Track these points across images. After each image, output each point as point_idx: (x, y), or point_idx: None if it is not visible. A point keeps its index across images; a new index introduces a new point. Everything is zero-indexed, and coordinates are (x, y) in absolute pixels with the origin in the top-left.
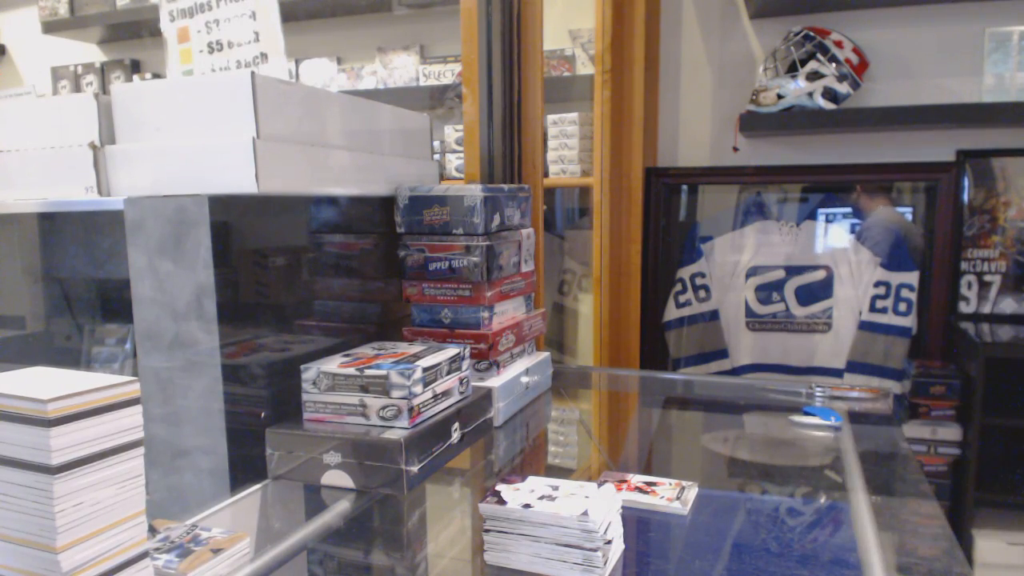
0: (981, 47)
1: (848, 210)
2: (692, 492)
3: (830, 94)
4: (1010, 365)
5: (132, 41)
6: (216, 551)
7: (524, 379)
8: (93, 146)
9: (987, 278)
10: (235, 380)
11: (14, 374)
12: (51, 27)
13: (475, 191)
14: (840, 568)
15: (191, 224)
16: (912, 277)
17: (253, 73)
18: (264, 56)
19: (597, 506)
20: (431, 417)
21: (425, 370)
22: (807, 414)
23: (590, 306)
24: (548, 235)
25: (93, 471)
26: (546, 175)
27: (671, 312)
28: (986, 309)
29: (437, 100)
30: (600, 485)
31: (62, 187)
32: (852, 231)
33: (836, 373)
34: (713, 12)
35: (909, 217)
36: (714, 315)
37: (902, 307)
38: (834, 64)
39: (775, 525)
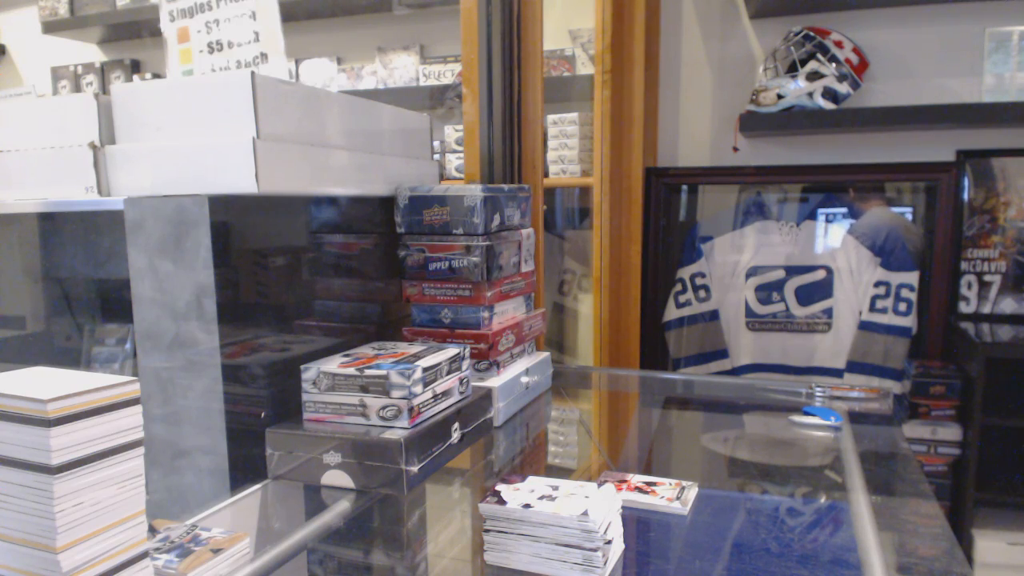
0: (981, 47)
1: (848, 210)
2: (692, 492)
3: (830, 94)
4: (1010, 365)
5: (132, 41)
6: (216, 551)
7: (524, 379)
8: (93, 146)
9: (987, 278)
10: (235, 380)
11: (14, 374)
12: (51, 27)
13: (475, 191)
14: (840, 568)
15: (191, 224)
16: (912, 277)
17: (253, 73)
18: (264, 56)
19: (597, 506)
20: (431, 417)
21: (425, 370)
22: (807, 414)
23: (590, 306)
24: (548, 235)
25: (93, 471)
26: (546, 175)
27: (671, 312)
28: (986, 309)
29: (437, 100)
30: (600, 485)
31: (62, 187)
32: (852, 231)
33: (836, 373)
34: (713, 12)
35: (908, 217)
36: (714, 315)
37: (902, 307)
38: (834, 64)
39: (775, 525)
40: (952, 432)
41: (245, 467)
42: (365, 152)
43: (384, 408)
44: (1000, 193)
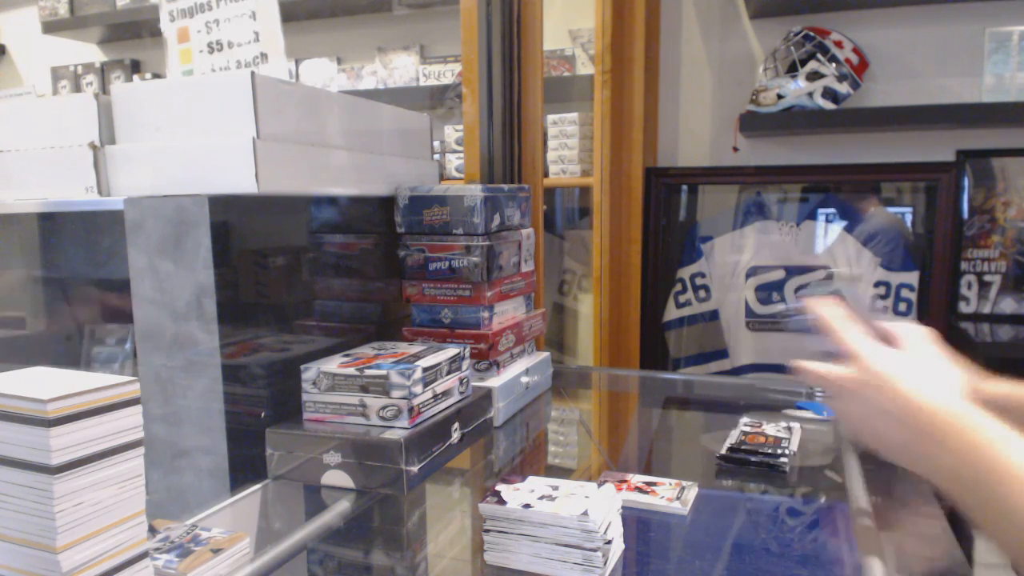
0: (981, 47)
1: (848, 210)
2: (692, 492)
3: (830, 94)
4: (1010, 365)
5: (132, 41)
6: (216, 551)
7: (524, 379)
8: (93, 146)
9: (987, 278)
10: (235, 380)
11: (14, 374)
12: (51, 27)
13: (475, 191)
14: (840, 568)
15: (191, 224)
16: (912, 277)
17: (253, 73)
18: (264, 56)
19: (597, 506)
20: (431, 417)
21: (425, 370)
22: (799, 409)
23: (590, 306)
24: (548, 235)
25: (93, 471)
26: (546, 175)
27: (671, 312)
28: (986, 309)
29: (437, 100)
30: (600, 485)
31: (62, 187)
32: (852, 231)
33: None
34: (713, 12)
35: (908, 217)
36: (714, 315)
37: (902, 307)
38: (834, 64)
39: (775, 525)
40: None
41: (245, 467)
42: (365, 152)
43: (384, 408)
44: (1000, 193)
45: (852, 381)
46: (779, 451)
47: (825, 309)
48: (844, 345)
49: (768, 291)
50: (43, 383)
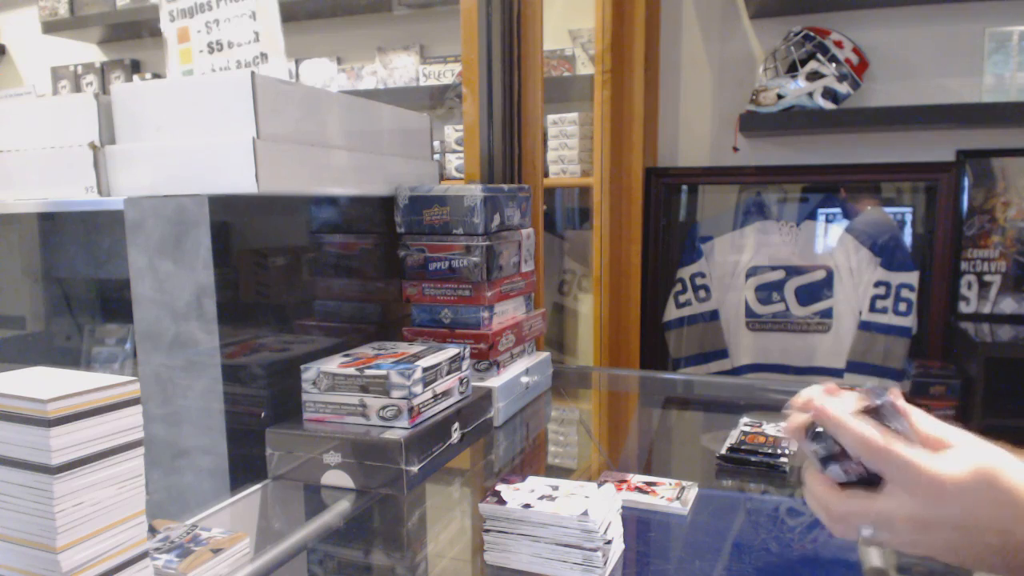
0: (981, 47)
1: (848, 210)
2: (692, 492)
3: (830, 94)
4: (1010, 365)
5: (132, 41)
6: (216, 551)
7: (524, 379)
8: (93, 146)
9: (987, 278)
10: (235, 380)
11: (14, 374)
12: (51, 27)
13: (475, 191)
14: (840, 568)
15: (191, 224)
16: (912, 277)
17: (253, 73)
18: (264, 56)
19: (597, 506)
20: (431, 417)
21: (425, 370)
22: None
23: (590, 306)
24: (548, 235)
25: (93, 471)
26: (546, 175)
27: (671, 312)
28: (986, 309)
29: (437, 100)
30: (600, 485)
31: (62, 187)
32: (851, 231)
33: (836, 373)
34: (713, 12)
35: (908, 217)
36: (714, 315)
37: (902, 307)
38: (834, 64)
39: (775, 525)
40: None
41: (245, 467)
42: (365, 152)
43: (384, 408)
44: (1000, 193)
45: (913, 520)
46: (779, 451)
47: (854, 423)
48: (891, 465)
49: (768, 291)
50: (43, 383)
